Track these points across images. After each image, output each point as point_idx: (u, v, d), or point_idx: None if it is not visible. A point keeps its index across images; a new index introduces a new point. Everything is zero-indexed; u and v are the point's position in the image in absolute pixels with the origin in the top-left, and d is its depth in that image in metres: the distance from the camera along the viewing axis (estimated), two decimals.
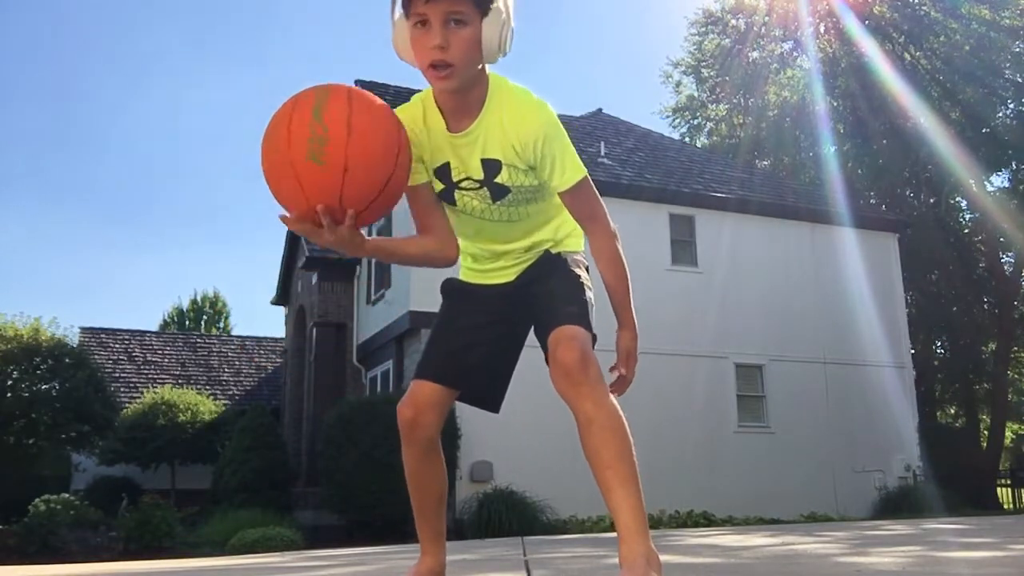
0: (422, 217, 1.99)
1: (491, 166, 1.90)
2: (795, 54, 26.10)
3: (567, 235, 2.11)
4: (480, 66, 1.83)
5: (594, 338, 1.88)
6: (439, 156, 1.93)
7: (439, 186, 1.97)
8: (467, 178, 1.93)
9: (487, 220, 2.00)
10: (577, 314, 1.89)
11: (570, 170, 1.90)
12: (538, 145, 1.86)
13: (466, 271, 2.16)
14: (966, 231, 23.55)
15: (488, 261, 2.10)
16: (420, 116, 1.92)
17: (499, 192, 1.94)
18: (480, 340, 2.05)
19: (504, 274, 2.10)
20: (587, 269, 2.07)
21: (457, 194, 1.96)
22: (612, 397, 1.80)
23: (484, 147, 1.89)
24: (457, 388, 2.05)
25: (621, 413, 1.79)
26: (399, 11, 1.81)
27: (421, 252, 1.99)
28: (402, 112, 1.92)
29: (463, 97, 1.87)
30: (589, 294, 1.98)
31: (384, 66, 65.67)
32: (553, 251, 2.07)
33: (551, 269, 2.04)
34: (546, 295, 1.98)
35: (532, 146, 1.86)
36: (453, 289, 2.14)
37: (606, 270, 2.00)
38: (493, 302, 2.09)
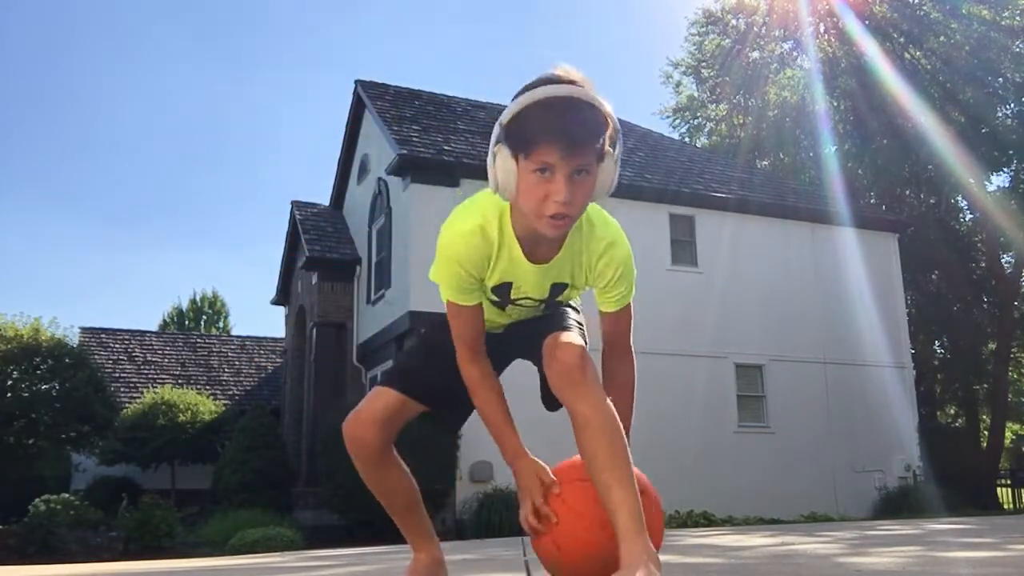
0: (476, 337, 1.96)
1: (558, 288, 1.96)
2: (795, 54, 26.13)
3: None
4: None
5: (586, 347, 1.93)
6: (503, 276, 1.91)
7: (493, 298, 1.97)
8: (527, 297, 1.96)
9: (522, 320, 2.06)
10: (571, 325, 1.95)
11: (627, 297, 1.96)
12: (614, 278, 1.92)
13: None
14: (966, 231, 23.55)
15: (494, 322, 2.10)
16: (495, 240, 1.85)
17: (552, 305, 2.01)
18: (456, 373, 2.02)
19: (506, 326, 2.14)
20: (580, 316, 2.12)
21: (510, 308, 2.00)
22: (608, 400, 1.80)
23: (558, 274, 1.93)
24: (423, 403, 2.07)
25: (617, 416, 1.80)
26: (506, 147, 1.70)
27: (502, 396, 2.01)
28: (475, 236, 1.85)
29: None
30: (580, 318, 2.05)
31: (384, 66, 65.68)
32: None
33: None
34: (537, 320, 2.03)
35: (609, 278, 1.92)
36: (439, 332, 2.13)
37: (621, 396, 1.92)
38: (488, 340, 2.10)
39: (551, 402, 1.94)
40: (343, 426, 2.03)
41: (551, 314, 2.02)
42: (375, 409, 2.03)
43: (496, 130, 1.73)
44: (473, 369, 1.95)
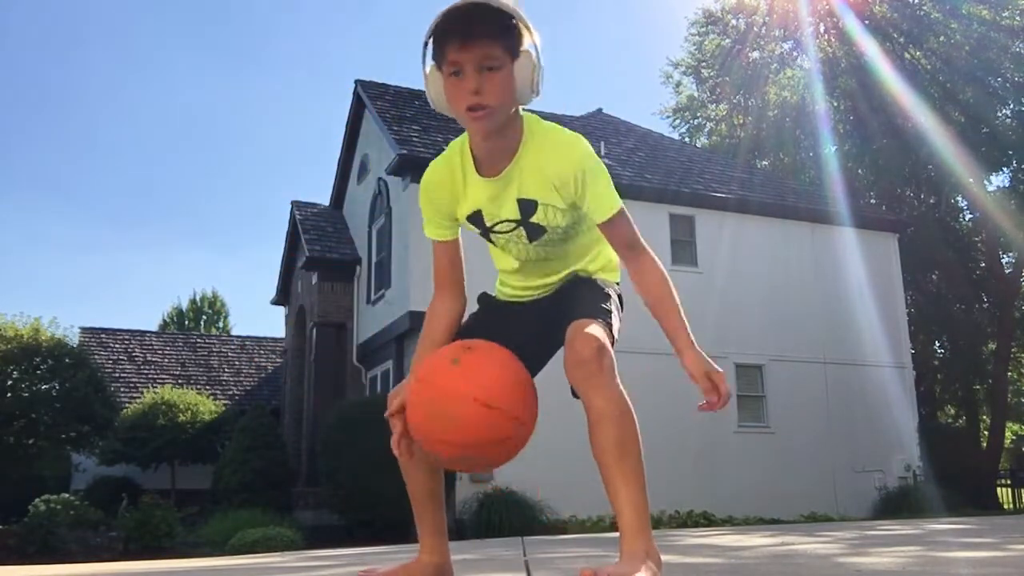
0: (446, 273, 2.05)
1: (527, 206, 1.94)
2: (795, 54, 26.13)
3: (601, 268, 2.13)
4: (513, 109, 1.87)
5: (613, 340, 1.89)
6: (471, 203, 1.97)
7: (475, 230, 2.03)
8: (502, 221, 1.97)
9: (527, 260, 2.05)
10: (597, 311, 1.92)
11: (607, 202, 1.93)
12: (579, 179, 1.90)
13: (499, 290, 2.21)
14: (966, 231, 23.55)
15: (522, 290, 2.14)
16: (458, 164, 1.97)
17: (535, 232, 1.98)
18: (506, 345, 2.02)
19: (537, 295, 2.14)
20: (619, 297, 2.10)
21: (493, 236, 2.03)
22: (624, 392, 1.78)
23: (520, 187, 1.93)
24: None
25: (632, 410, 1.77)
26: (429, 63, 1.84)
27: (449, 328, 2.04)
28: (439, 163, 2.00)
29: (498, 141, 1.90)
30: (614, 304, 2.01)
31: (384, 66, 65.67)
32: (582, 274, 2.11)
33: (579, 282, 2.08)
34: (570, 299, 2.01)
35: (573, 182, 1.89)
36: (487, 302, 2.19)
37: (654, 289, 1.93)
38: (524, 319, 2.11)
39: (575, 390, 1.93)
40: (388, 397, 2.02)
41: (580, 297, 1.99)
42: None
43: (421, 53, 1.85)
44: (435, 300, 2.06)
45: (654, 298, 1.92)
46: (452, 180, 1.97)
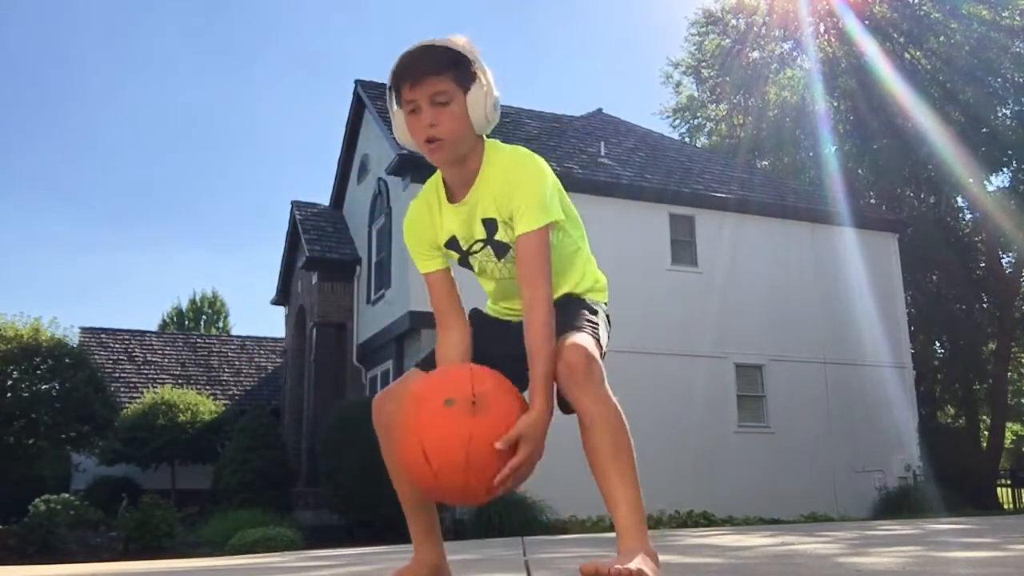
0: (444, 303, 2.09)
1: (490, 225, 2.03)
2: (795, 54, 26.12)
3: (589, 288, 2.15)
4: (472, 139, 1.97)
5: (601, 351, 1.92)
6: (447, 230, 2.08)
7: (454, 255, 2.12)
8: (475, 241, 2.06)
9: (501, 279, 2.10)
10: (584, 324, 1.96)
11: (530, 215, 1.92)
12: (513, 191, 1.95)
13: (490, 308, 2.26)
14: (966, 231, 23.55)
15: (509, 311, 2.18)
16: (433, 197, 2.09)
17: (500, 249, 2.04)
18: (490, 357, 2.01)
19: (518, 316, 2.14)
20: (608, 318, 2.12)
21: (471, 259, 2.11)
22: (614, 398, 1.82)
23: (483, 209, 2.02)
24: None
25: (622, 414, 1.81)
26: (395, 105, 1.99)
27: (461, 359, 2.03)
28: (418, 201, 2.13)
29: (461, 169, 2.01)
30: (601, 319, 2.05)
31: (384, 66, 65.53)
32: (574, 295, 2.12)
33: (567, 300, 2.09)
34: (558, 314, 2.00)
35: (510, 194, 1.96)
36: (480, 318, 2.22)
37: (534, 339, 1.85)
38: (513, 335, 2.06)
39: (565, 404, 1.93)
40: (373, 401, 2.08)
41: (567, 312, 2.00)
42: (404, 385, 2.04)
43: (387, 96, 2.00)
44: (440, 339, 2.08)
45: (531, 340, 1.86)
46: (430, 213, 2.09)
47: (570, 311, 2.02)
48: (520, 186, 1.95)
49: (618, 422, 1.79)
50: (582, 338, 1.88)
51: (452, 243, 2.09)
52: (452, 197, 2.05)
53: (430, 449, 1.72)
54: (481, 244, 2.05)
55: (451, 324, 2.07)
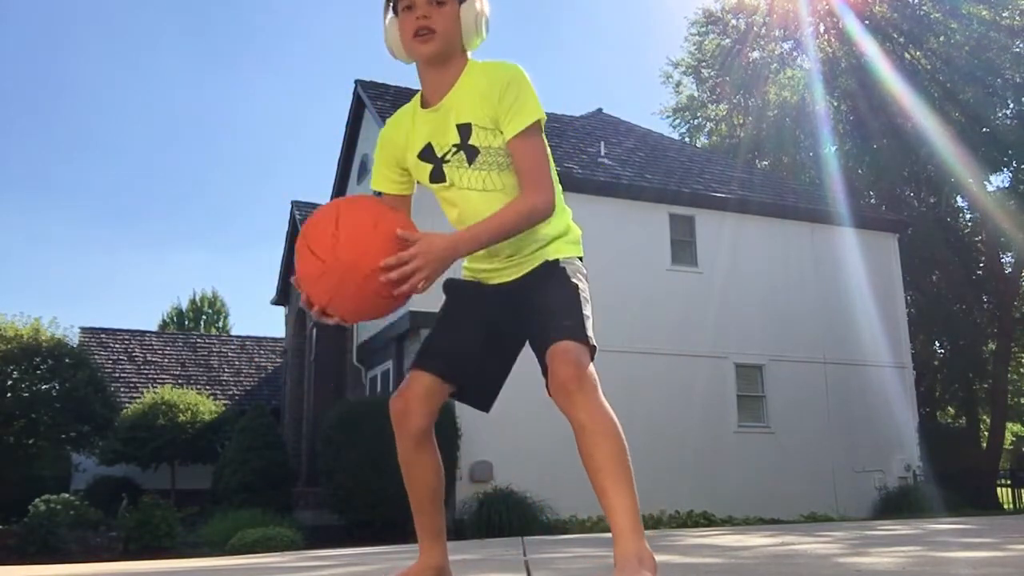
0: None
1: (464, 129, 2.01)
2: (795, 54, 26.12)
3: (558, 235, 2.08)
4: (459, 44, 2.00)
5: (592, 350, 1.89)
6: (421, 138, 2.06)
7: (427, 167, 2.06)
8: (449, 148, 2.03)
9: (467, 189, 2.04)
10: (573, 327, 1.90)
11: (522, 113, 1.95)
12: (503, 91, 1.96)
13: (465, 270, 2.20)
14: (966, 231, 23.54)
15: (484, 260, 2.10)
16: (410, 110, 2.10)
17: (471, 153, 2.01)
18: (477, 338, 2.08)
19: (501, 275, 2.11)
20: (585, 277, 2.07)
21: (445, 168, 2.05)
22: (607, 406, 1.82)
23: (458, 114, 2.01)
24: (451, 382, 2.07)
25: (615, 420, 1.81)
26: (389, 15, 2.03)
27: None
28: (396, 114, 2.14)
29: (441, 73, 2.02)
30: (587, 308, 1.99)
31: (384, 66, 65.65)
32: (551, 258, 2.06)
33: (549, 278, 2.03)
34: (543, 307, 1.98)
35: (499, 92, 1.96)
36: (455, 287, 2.17)
37: (514, 212, 1.93)
38: (493, 303, 2.11)
39: None
40: (390, 403, 2.06)
41: (554, 306, 1.95)
42: (419, 386, 2.04)
43: (381, 7, 2.05)
44: None
45: (498, 221, 1.93)
46: (405, 124, 2.09)
47: (558, 305, 1.96)
48: (511, 87, 1.95)
49: (613, 430, 1.80)
50: (571, 346, 1.84)
51: (427, 152, 2.06)
52: (427, 104, 2.06)
53: (344, 215, 1.87)
54: (455, 149, 2.02)
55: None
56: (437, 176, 2.07)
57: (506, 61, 2.01)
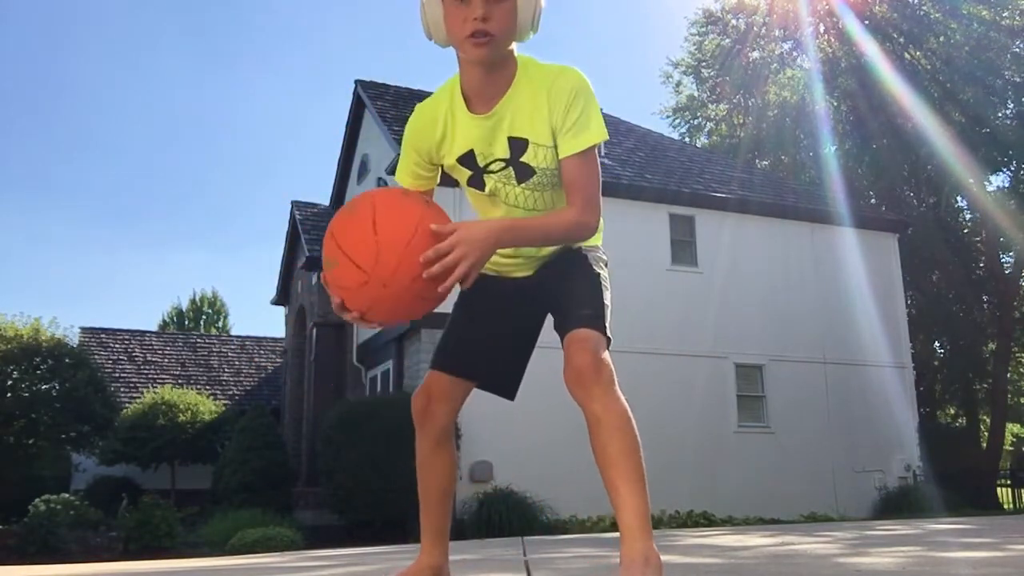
0: None
1: (518, 145, 1.89)
2: (795, 54, 26.12)
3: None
4: (512, 44, 1.84)
5: (608, 340, 1.87)
6: (463, 143, 1.91)
7: (466, 173, 1.95)
8: (494, 160, 1.92)
9: (511, 206, 1.97)
10: (592, 316, 1.88)
11: (585, 132, 1.85)
12: (569, 103, 1.84)
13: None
14: (966, 231, 23.54)
15: (507, 256, 2.06)
16: (446, 104, 1.91)
17: (524, 172, 1.91)
18: (495, 332, 2.06)
19: (522, 267, 2.08)
20: (606, 265, 2.06)
21: (486, 178, 1.94)
22: (623, 399, 1.79)
23: (511, 125, 1.88)
24: (471, 379, 2.07)
25: (630, 415, 1.78)
26: None
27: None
28: (428, 104, 1.94)
29: (492, 76, 1.86)
30: (607, 295, 1.97)
31: (384, 66, 65.65)
32: (574, 246, 2.05)
33: (571, 266, 2.01)
34: (565, 294, 1.97)
35: (564, 105, 1.84)
36: (478, 289, 2.07)
37: (560, 222, 1.87)
38: (510, 296, 2.08)
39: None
40: (412, 400, 2.04)
41: (575, 291, 1.94)
42: (439, 385, 2.04)
43: None
44: None
45: (545, 223, 1.88)
46: (442, 120, 1.91)
47: (579, 290, 1.94)
48: (577, 100, 1.84)
49: (627, 424, 1.77)
50: (589, 335, 1.82)
51: (467, 158, 1.92)
52: (471, 106, 1.88)
53: (381, 216, 1.73)
54: (502, 164, 1.91)
55: None
56: (475, 183, 1.97)
57: (568, 66, 1.89)
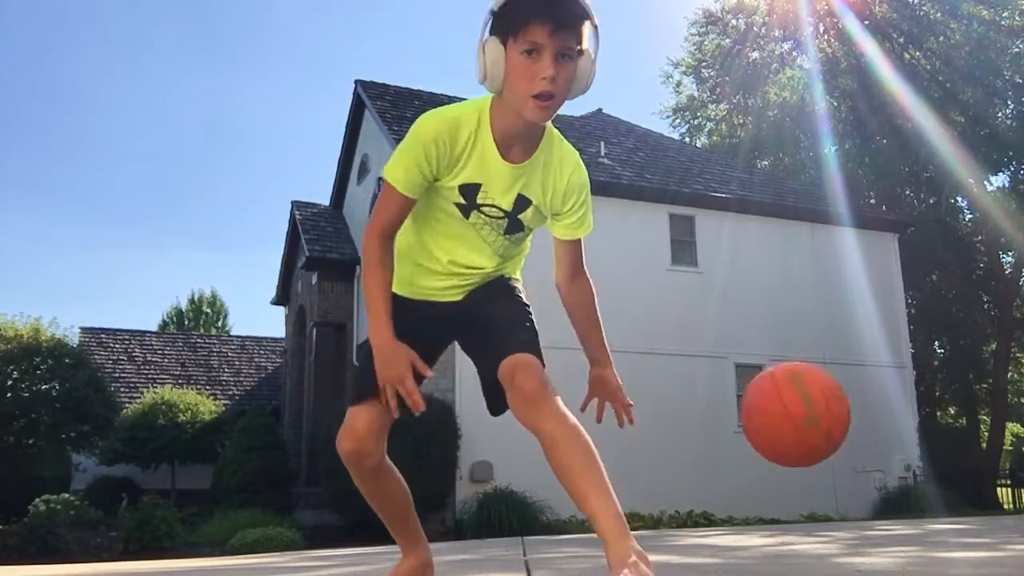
0: (396, 224, 1.95)
1: (522, 203, 1.95)
2: (795, 54, 26.12)
3: (517, 267, 2.19)
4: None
5: (543, 363, 1.92)
6: (473, 176, 1.90)
7: (459, 200, 1.93)
8: (493, 205, 1.94)
9: (485, 242, 2.00)
10: (529, 341, 1.93)
11: (589, 223, 2.04)
12: (578, 198, 1.98)
13: (407, 286, 2.08)
14: (966, 231, 23.55)
15: (444, 278, 2.04)
16: (471, 132, 1.88)
17: (515, 227, 1.99)
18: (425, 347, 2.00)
19: (452, 294, 2.08)
20: (525, 294, 2.14)
21: (474, 214, 1.96)
22: (570, 413, 1.83)
23: (526, 185, 1.93)
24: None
25: (581, 427, 1.81)
26: (490, 33, 1.78)
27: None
28: (451, 118, 1.88)
29: (531, 130, 1.88)
30: (533, 315, 2.04)
31: (384, 66, 65.65)
32: (505, 275, 2.11)
33: (502, 292, 2.06)
34: (499, 319, 2.00)
35: (574, 197, 1.97)
36: (395, 309, 1.99)
37: (588, 313, 2.08)
38: (435, 322, 2.08)
39: (497, 406, 1.96)
40: (337, 444, 2.03)
41: (508, 318, 1.98)
42: (365, 422, 2.01)
43: (486, 18, 1.78)
44: (378, 247, 1.94)
45: (586, 315, 2.08)
46: (463, 142, 1.87)
47: (512, 317, 1.99)
48: (586, 199, 1.99)
49: (581, 435, 1.79)
50: (531, 359, 1.87)
51: (470, 190, 1.91)
52: (500, 149, 1.89)
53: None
54: (500, 212, 1.94)
55: (388, 252, 1.95)
56: (463, 211, 1.96)
57: (579, 157, 1.99)
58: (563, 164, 1.94)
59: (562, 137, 1.97)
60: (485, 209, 1.94)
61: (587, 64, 1.79)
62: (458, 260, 2.02)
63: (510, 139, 1.88)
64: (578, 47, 1.76)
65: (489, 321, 2.00)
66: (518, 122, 1.84)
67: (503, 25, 1.74)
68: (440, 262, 2.02)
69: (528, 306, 2.05)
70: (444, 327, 2.08)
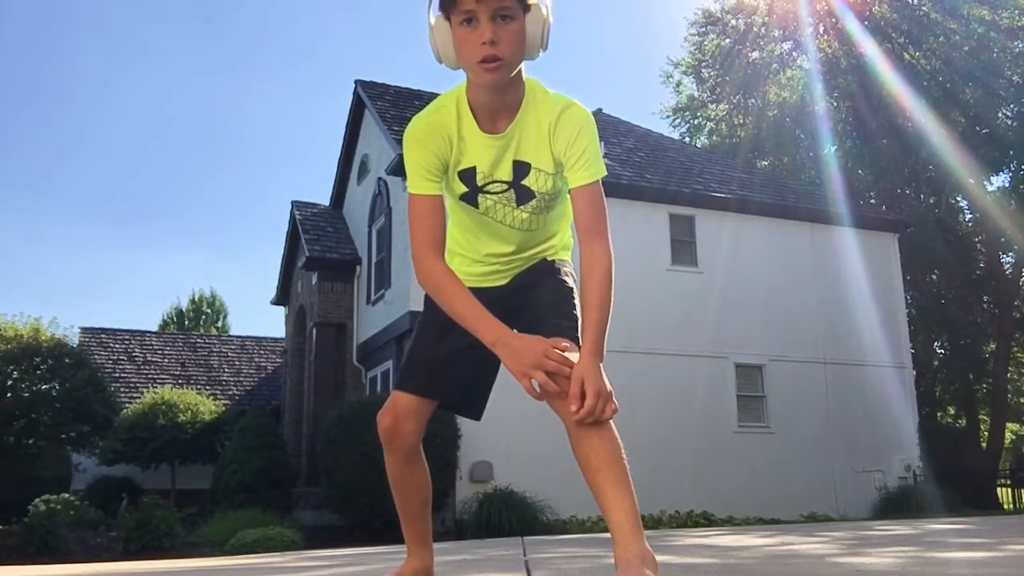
0: (440, 232, 1.90)
1: (520, 168, 1.91)
2: (795, 54, 26.11)
3: (563, 247, 2.13)
4: (520, 64, 1.85)
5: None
6: (468, 159, 1.91)
7: (462, 189, 1.95)
8: (494, 181, 1.93)
9: (505, 225, 1.99)
10: (570, 328, 1.90)
11: (595, 166, 1.89)
12: (572, 134, 1.86)
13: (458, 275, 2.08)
14: (966, 231, 23.55)
15: (482, 264, 2.07)
16: (453, 118, 1.90)
17: (524, 195, 1.94)
18: (462, 349, 1.97)
19: (495, 279, 2.09)
20: (575, 281, 2.06)
21: (481, 197, 1.95)
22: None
23: (518, 148, 1.90)
24: (437, 399, 2.05)
25: (611, 421, 1.79)
26: (435, 13, 1.82)
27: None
28: (434, 115, 1.91)
29: (502, 96, 1.87)
30: (578, 307, 1.98)
31: (384, 66, 65.67)
32: (549, 258, 2.08)
33: (545, 276, 2.04)
34: (539, 304, 1.99)
35: (566, 134, 1.86)
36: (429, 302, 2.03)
37: (596, 289, 1.83)
38: (488, 307, 2.05)
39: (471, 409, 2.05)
40: (378, 419, 2.02)
41: (554, 306, 1.95)
42: (405, 404, 2.02)
43: (427, 3, 1.82)
44: (436, 263, 1.88)
45: (598, 296, 1.83)
46: (448, 129, 1.89)
47: (552, 294, 1.97)
48: (583, 135, 1.86)
49: (610, 430, 1.77)
50: (571, 356, 1.79)
51: (468, 175, 1.91)
52: (481, 125, 1.88)
53: None
54: (503, 186, 1.92)
55: (451, 275, 1.87)
56: (470, 199, 1.96)
57: (576, 101, 1.90)
58: (550, 111, 1.87)
59: (547, 89, 1.91)
60: (488, 188, 1.94)
61: (536, 18, 1.80)
62: (484, 250, 2.05)
63: (491, 112, 1.88)
64: (517, 5, 1.77)
65: (531, 308, 2.00)
66: (488, 93, 1.85)
67: (442, 2, 1.79)
68: (478, 252, 2.06)
69: (572, 290, 2.00)
70: (495, 311, 2.00)
